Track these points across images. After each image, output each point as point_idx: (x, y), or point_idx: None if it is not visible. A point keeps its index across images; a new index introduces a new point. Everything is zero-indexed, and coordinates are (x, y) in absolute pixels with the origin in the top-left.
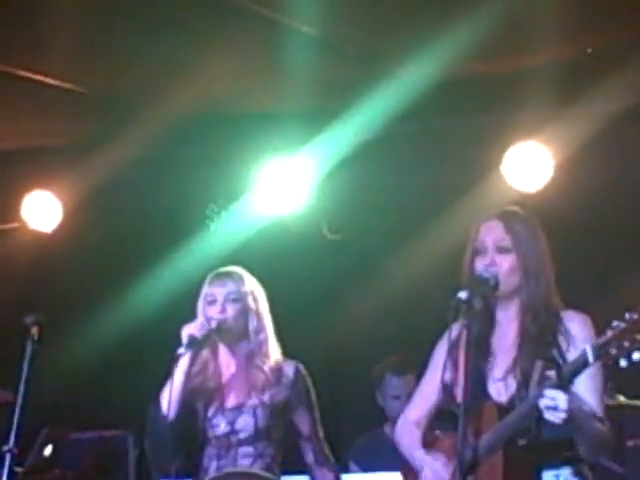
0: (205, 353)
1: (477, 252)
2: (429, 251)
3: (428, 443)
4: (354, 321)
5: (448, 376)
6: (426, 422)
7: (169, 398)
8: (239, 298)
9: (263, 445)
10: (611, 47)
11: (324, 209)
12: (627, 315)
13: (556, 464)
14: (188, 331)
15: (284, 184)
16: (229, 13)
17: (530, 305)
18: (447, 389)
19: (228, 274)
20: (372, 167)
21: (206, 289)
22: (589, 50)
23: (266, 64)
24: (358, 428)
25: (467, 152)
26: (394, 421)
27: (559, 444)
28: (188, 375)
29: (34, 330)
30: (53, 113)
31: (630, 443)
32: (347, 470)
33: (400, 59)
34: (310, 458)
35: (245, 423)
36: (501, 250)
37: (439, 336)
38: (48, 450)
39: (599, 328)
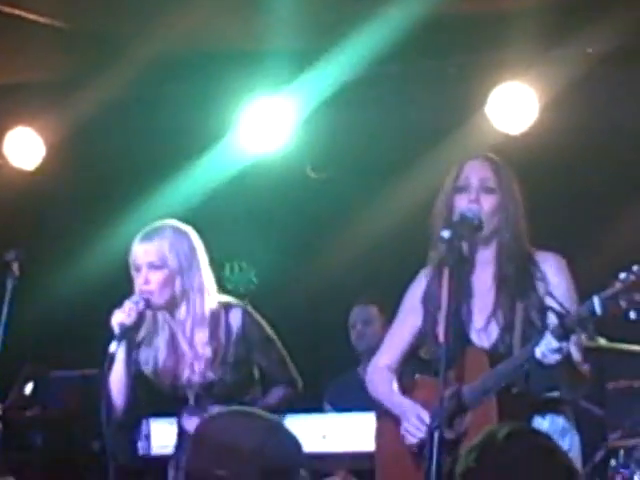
0: (149, 325)
1: (460, 189)
2: (412, 191)
3: (407, 389)
4: (336, 262)
5: (428, 318)
6: (398, 365)
7: (117, 389)
8: (161, 264)
9: (236, 400)
10: None
11: (307, 148)
12: (636, 268)
13: (544, 410)
14: (117, 320)
15: (267, 123)
16: None
17: (506, 247)
18: (427, 331)
19: (150, 235)
20: (355, 107)
21: (132, 253)
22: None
23: (250, 2)
24: (336, 371)
25: (451, 93)
26: (368, 358)
27: (548, 394)
28: (129, 362)
29: (15, 266)
30: (36, 49)
31: (610, 385)
32: (322, 410)
33: None
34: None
35: (213, 381)
36: (486, 189)
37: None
38: (29, 388)
39: (584, 273)
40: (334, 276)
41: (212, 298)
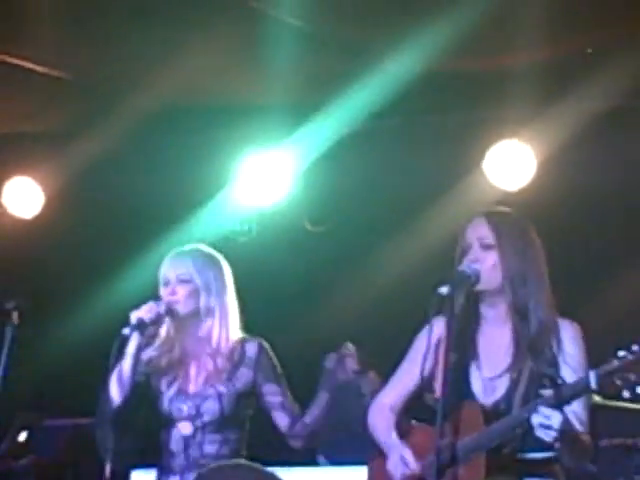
0: (171, 333)
1: (464, 251)
2: (410, 247)
3: (402, 432)
4: (334, 314)
5: (428, 369)
6: (400, 408)
7: (119, 382)
8: (189, 279)
9: (229, 431)
10: (594, 47)
11: (306, 202)
12: (635, 347)
13: (537, 475)
14: (136, 314)
15: (266, 176)
16: (214, 3)
17: (517, 306)
18: (426, 384)
19: (181, 254)
20: (354, 161)
21: (161, 270)
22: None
23: (250, 55)
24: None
25: (449, 149)
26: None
27: (542, 458)
28: (137, 359)
29: (14, 315)
30: (35, 99)
31: (603, 443)
32: (315, 463)
33: (384, 53)
34: (285, 422)
35: (210, 409)
36: (484, 247)
37: (418, 331)
38: (23, 436)
39: (586, 333)
40: (330, 330)
41: (234, 329)
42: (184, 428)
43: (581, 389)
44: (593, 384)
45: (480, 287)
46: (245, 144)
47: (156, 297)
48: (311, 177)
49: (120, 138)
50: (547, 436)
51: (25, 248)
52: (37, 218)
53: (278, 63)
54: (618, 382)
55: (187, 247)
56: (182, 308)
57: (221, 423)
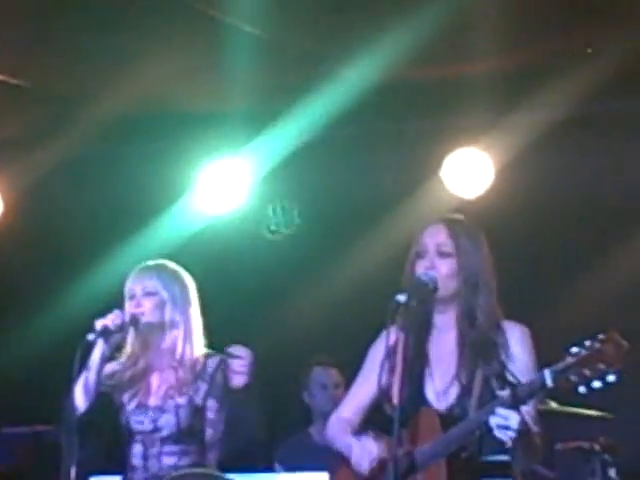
0: (135, 347)
1: (419, 255)
2: (367, 254)
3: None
4: (290, 321)
5: (385, 379)
6: (357, 421)
7: (84, 389)
8: (155, 292)
9: (187, 443)
10: (550, 57)
11: (264, 209)
12: (588, 342)
13: (495, 477)
14: (102, 322)
15: (224, 184)
16: (172, 11)
17: (468, 312)
18: (383, 392)
19: (147, 268)
20: (312, 169)
21: (127, 284)
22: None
23: (208, 63)
24: (288, 429)
25: (407, 157)
26: (321, 418)
27: (501, 460)
28: (101, 367)
29: None
30: None
31: (559, 447)
32: (272, 470)
33: (342, 62)
34: (208, 438)
35: (167, 422)
36: (442, 254)
37: (375, 339)
38: None
39: (542, 338)
40: (289, 335)
41: (199, 344)
42: (143, 441)
43: (537, 388)
44: (549, 382)
45: (437, 295)
46: (204, 152)
47: (116, 304)
48: (269, 185)
49: (79, 146)
50: (506, 436)
51: None
52: None
53: (236, 71)
54: (573, 378)
55: (152, 262)
56: (148, 319)
57: (178, 436)
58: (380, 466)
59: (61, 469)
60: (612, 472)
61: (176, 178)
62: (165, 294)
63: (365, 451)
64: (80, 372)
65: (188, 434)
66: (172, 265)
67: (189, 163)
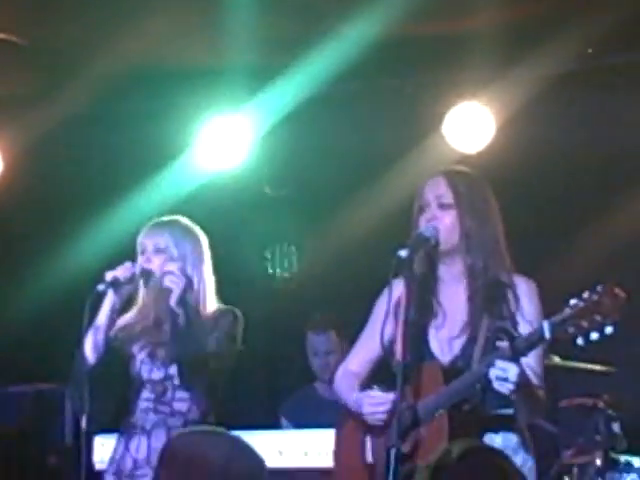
0: (146, 301)
1: (421, 209)
2: (369, 210)
3: None
4: (293, 279)
5: (389, 333)
6: (365, 375)
7: (93, 340)
8: (164, 249)
9: (199, 392)
10: (551, 11)
11: (265, 166)
12: (586, 294)
13: (497, 428)
14: (112, 273)
15: (225, 140)
16: None
17: (475, 264)
18: (388, 346)
19: (159, 224)
20: (313, 125)
21: (139, 239)
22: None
23: (208, 19)
24: (293, 385)
25: (408, 112)
26: (320, 378)
27: (503, 413)
28: (111, 318)
29: None
30: None
31: (563, 403)
32: (279, 426)
33: (342, 17)
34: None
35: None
36: (442, 206)
37: (379, 293)
38: None
39: (544, 291)
40: (290, 294)
41: (211, 300)
42: (154, 389)
43: (536, 339)
44: (547, 333)
45: (440, 248)
46: (205, 108)
47: (118, 261)
48: (270, 141)
49: (79, 104)
50: (504, 389)
51: None
52: None
53: (237, 27)
54: (571, 330)
55: (165, 218)
56: (157, 276)
57: (190, 385)
58: (391, 417)
59: (65, 426)
60: (616, 427)
61: (177, 135)
62: (175, 251)
63: (377, 402)
64: (90, 323)
65: (200, 384)
66: (185, 221)
67: (190, 120)
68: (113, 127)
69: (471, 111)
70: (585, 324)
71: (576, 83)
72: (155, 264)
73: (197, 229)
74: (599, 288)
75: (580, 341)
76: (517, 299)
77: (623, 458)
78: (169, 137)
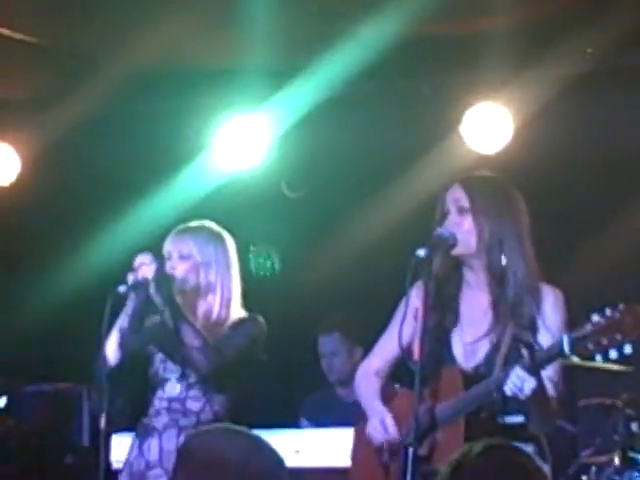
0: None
1: (443, 216)
2: (387, 210)
3: (386, 396)
4: (311, 280)
5: (408, 334)
6: (386, 372)
7: (115, 342)
8: (189, 256)
9: (213, 392)
10: (569, 11)
11: (283, 166)
12: (608, 312)
13: (515, 439)
14: (132, 276)
15: (243, 141)
16: None
17: (493, 270)
18: (405, 349)
19: (184, 230)
20: (331, 125)
21: (164, 245)
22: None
23: (227, 19)
24: (310, 388)
25: (426, 113)
26: (340, 384)
27: (520, 422)
28: (133, 320)
29: None
30: (12, 66)
31: (582, 403)
32: (298, 425)
33: (361, 18)
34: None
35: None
36: (460, 210)
37: (395, 296)
38: (2, 401)
39: (566, 295)
40: (308, 294)
41: (236, 306)
42: (171, 387)
43: (555, 354)
44: (567, 349)
45: (458, 251)
46: (223, 108)
47: (128, 264)
48: (288, 142)
49: (97, 104)
50: (523, 395)
51: (1, 214)
52: (13, 185)
53: (256, 27)
54: (590, 347)
55: (192, 224)
56: (182, 282)
57: (204, 383)
58: (389, 447)
59: (82, 425)
60: (634, 426)
61: (195, 135)
62: (199, 258)
63: (382, 428)
64: (111, 324)
65: (216, 384)
66: (212, 226)
67: (208, 120)
68: (131, 128)
69: (489, 112)
70: (605, 342)
71: (594, 83)
72: (179, 270)
73: (224, 234)
74: (621, 307)
75: (599, 358)
76: (541, 308)
77: None
78: (187, 137)
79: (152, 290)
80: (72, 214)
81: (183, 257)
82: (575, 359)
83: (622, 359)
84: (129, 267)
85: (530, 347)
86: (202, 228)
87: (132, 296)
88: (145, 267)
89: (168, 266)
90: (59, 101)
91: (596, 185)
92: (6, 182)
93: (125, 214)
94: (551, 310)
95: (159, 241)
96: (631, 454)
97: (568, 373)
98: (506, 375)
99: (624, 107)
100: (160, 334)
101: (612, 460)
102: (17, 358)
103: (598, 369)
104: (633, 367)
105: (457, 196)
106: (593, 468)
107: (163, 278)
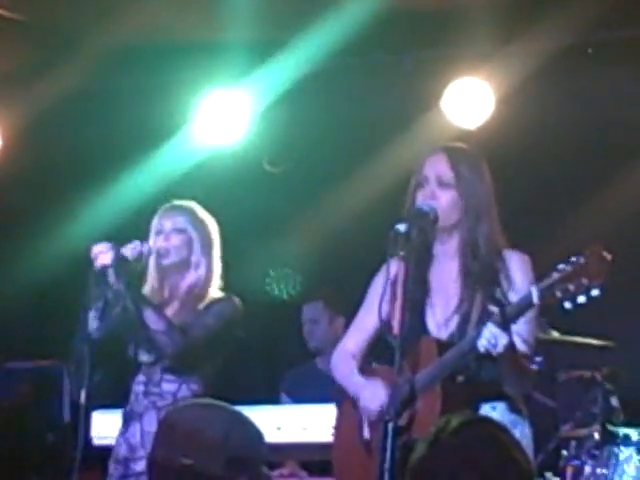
0: (155, 285)
1: (419, 185)
2: (367, 185)
3: (365, 375)
4: (291, 255)
5: (386, 309)
6: (362, 354)
7: (96, 317)
8: (184, 229)
9: (189, 373)
10: None
11: (264, 141)
12: (573, 258)
13: (492, 399)
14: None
15: (224, 116)
16: None
17: (470, 242)
18: (384, 323)
19: (178, 207)
20: (313, 100)
21: (155, 220)
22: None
23: None
24: (291, 362)
25: (407, 87)
26: (319, 352)
27: (495, 381)
28: (116, 294)
29: None
30: None
31: (561, 377)
32: (277, 401)
33: None
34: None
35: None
36: (442, 184)
37: (377, 269)
38: None
39: (543, 266)
40: (290, 268)
41: (215, 287)
42: (146, 371)
43: (525, 305)
44: (535, 298)
45: (438, 226)
46: (204, 83)
47: (117, 236)
48: (269, 117)
49: (78, 79)
50: (495, 351)
51: None
52: None
53: (237, 1)
54: (559, 294)
55: (182, 202)
56: (173, 257)
57: (178, 366)
58: (369, 423)
59: (64, 403)
60: (614, 401)
61: (176, 110)
62: (194, 234)
63: (375, 395)
64: (94, 299)
65: (190, 365)
66: (199, 208)
67: (189, 95)
68: (111, 103)
69: (470, 86)
70: (572, 288)
71: (576, 57)
72: (172, 242)
73: (209, 216)
74: (587, 252)
75: (568, 305)
76: (508, 273)
77: (621, 431)
78: (168, 112)
79: (111, 278)
80: (54, 189)
81: (178, 230)
82: (555, 333)
83: (589, 302)
84: (110, 242)
85: (500, 303)
86: (193, 208)
87: (93, 285)
88: (102, 255)
89: (159, 239)
90: (41, 77)
91: (578, 157)
92: None
93: (107, 189)
94: (518, 273)
95: (140, 216)
96: (610, 428)
97: (548, 348)
98: (479, 333)
99: (605, 81)
100: (124, 321)
101: (592, 434)
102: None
103: (577, 344)
104: (612, 341)
105: (441, 170)
106: (573, 442)
107: (122, 264)
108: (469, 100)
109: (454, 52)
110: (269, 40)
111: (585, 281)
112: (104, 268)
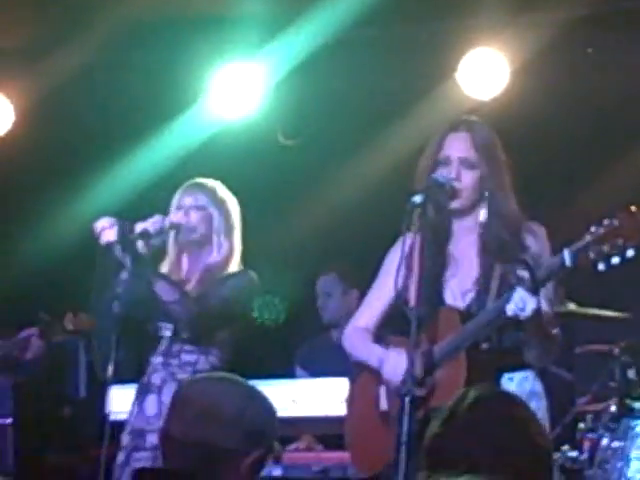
0: (173, 258)
1: (440, 163)
2: (383, 157)
3: (384, 345)
4: (306, 227)
5: (401, 282)
6: (376, 328)
7: (119, 292)
8: (205, 206)
9: (208, 345)
10: None
11: (278, 114)
12: (606, 221)
13: (515, 368)
14: (142, 225)
15: (238, 89)
16: None
17: (490, 217)
18: (400, 295)
19: (200, 184)
20: (327, 72)
21: (176, 197)
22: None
23: None
24: (305, 336)
25: (422, 59)
26: (333, 325)
27: (517, 350)
28: (104, 285)
29: None
30: (6, 16)
31: (578, 350)
32: (293, 375)
33: None
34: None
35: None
36: (467, 165)
37: (392, 242)
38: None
39: (558, 238)
40: (302, 242)
41: (235, 263)
42: (166, 344)
43: (557, 268)
44: (568, 261)
45: (456, 204)
46: (217, 57)
47: (131, 211)
48: (284, 90)
49: (90, 53)
50: (524, 315)
51: None
52: (8, 134)
53: None
54: (592, 255)
55: (205, 180)
56: (193, 230)
57: (198, 337)
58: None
59: (79, 377)
60: (631, 373)
61: (189, 84)
62: (214, 211)
63: (398, 365)
64: (116, 273)
65: (210, 337)
66: (222, 187)
67: (202, 68)
68: (123, 77)
69: (485, 57)
70: (606, 249)
71: (591, 27)
72: (193, 218)
73: (230, 196)
74: (619, 213)
75: (601, 266)
76: (525, 243)
77: (638, 404)
78: (181, 87)
79: (118, 252)
80: (67, 164)
81: (197, 207)
82: (572, 305)
83: (625, 263)
84: (125, 218)
85: (529, 267)
86: (215, 186)
87: (139, 245)
88: (107, 231)
89: (179, 214)
90: (53, 52)
91: (594, 129)
92: (0, 132)
93: (120, 164)
94: (535, 243)
95: (154, 190)
96: (628, 401)
97: (565, 320)
98: (509, 297)
99: (621, 51)
100: (134, 295)
101: (609, 407)
102: (12, 311)
103: (595, 316)
104: (630, 314)
105: (464, 149)
106: (589, 416)
107: (127, 238)
108: (484, 71)
109: (469, 23)
110: (282, 12)
111: (620, 241)
112: (109, 244)
